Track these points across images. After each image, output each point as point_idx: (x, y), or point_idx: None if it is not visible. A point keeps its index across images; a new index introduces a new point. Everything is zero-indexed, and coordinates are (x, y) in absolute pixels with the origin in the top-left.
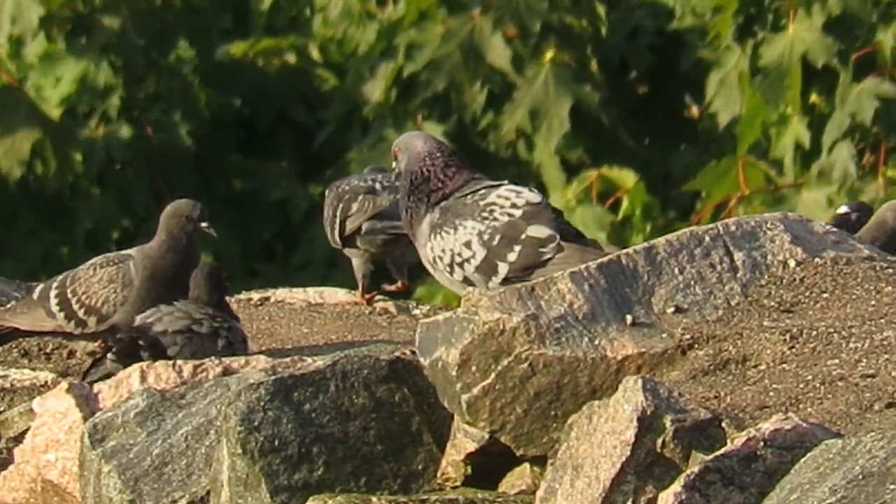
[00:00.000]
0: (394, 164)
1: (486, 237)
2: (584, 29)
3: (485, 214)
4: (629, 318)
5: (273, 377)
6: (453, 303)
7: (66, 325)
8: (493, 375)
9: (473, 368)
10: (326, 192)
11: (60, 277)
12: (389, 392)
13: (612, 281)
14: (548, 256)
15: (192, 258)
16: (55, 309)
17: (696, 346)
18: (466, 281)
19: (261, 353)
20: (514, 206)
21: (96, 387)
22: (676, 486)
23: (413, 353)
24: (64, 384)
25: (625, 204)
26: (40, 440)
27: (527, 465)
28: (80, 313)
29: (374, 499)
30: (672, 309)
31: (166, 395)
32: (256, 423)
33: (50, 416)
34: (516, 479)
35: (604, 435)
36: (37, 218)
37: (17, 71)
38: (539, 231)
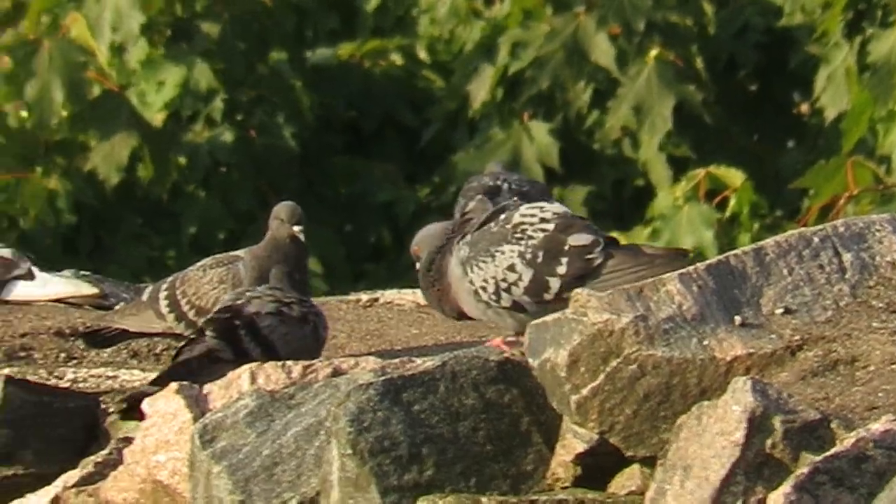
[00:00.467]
0: (417, 265)
1: (528, 256)
2: (688, 27)
3: (518, 235)
4: (738, 319)
5: (382, 378)
6: None
7: (176, 327)
8: (602, 376)
9: (582, 369)
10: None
11: (170, 279)
12: (499, 393)
13: (721, 282)
14: (598, 262)
15: (299, 258)
16: (165, 310)
17: (805, 347)
18: (515, 306)
19: (370, 353)
20: (543, 220)
21: (206, 388)
22: (786, 487)
23: (522, 353)
24: (174, 385)
25: (732, 202)
26: (150, 441)
27: (636, 466)
28: (190, 314)
29: (483, 499)
30: (781, 310)
31: (276, 395)
32: (366, 424)
33: (160, 417)
34: (626, 480)
35: (713, 436)
36: (142, 222)
37: (119, 77)
38: (580, 239)
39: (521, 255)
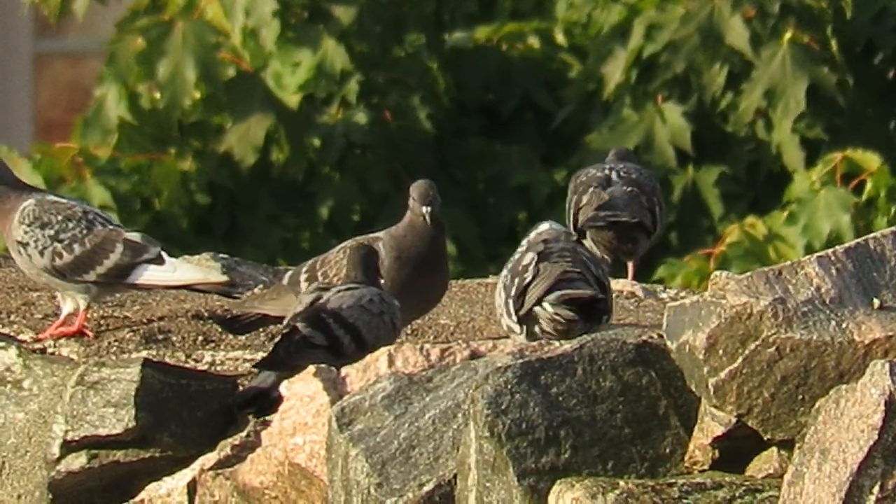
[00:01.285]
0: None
1: (506, 282)
2: (824, 10)
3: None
4: (876, 301)
5: (520, 361)
6: (692, 283)
7: None
8: (740, 359)
9: (720, 352)
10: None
11: (310, 262)
12: (636, 375)
13: (860, 265)
14: (528, 280)
15: (435, 237)
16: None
17: None
18: (509, 329)
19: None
20: (564, 249)
21: (343, 370)
22: None
23: (660, 336)
24: (311, 367)
25: (868, 186)
26: (288, 424)
27: (774, 449)
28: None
29: (621, 482)
30: None
31: (413, 378)
32: (504, 407)
33: (297, 400)
34: (763, 463)
35: (851, 419)
36: (278, 204)
37: (254, 59)
38: (525, 258)
39: (504, 280)
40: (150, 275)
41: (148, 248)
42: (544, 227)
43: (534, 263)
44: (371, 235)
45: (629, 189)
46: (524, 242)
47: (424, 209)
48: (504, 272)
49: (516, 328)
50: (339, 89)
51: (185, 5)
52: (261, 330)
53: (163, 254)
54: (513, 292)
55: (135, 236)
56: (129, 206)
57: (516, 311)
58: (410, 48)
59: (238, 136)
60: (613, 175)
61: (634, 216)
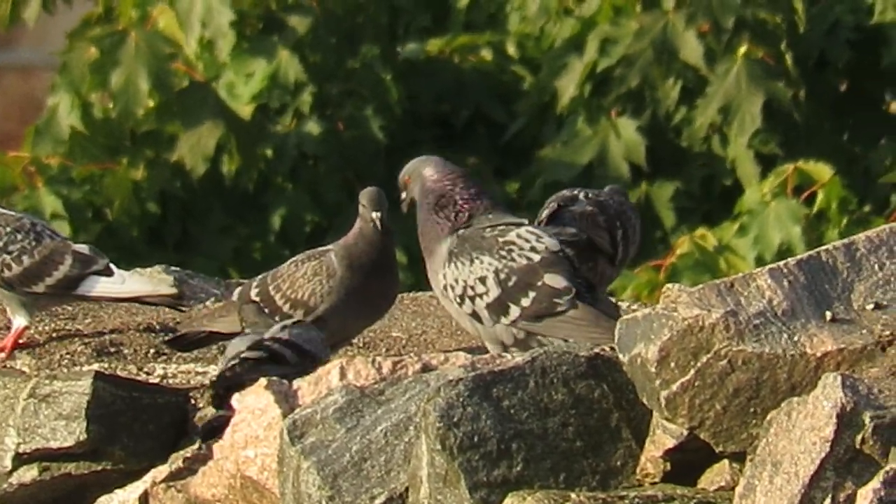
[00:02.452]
0: (402, 195)
1: (502, 276)
2: (778, 24)
3: (503, 253)
4: (828, 314)
5: (472, 373)
6: (642, 294)
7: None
8: (692, 372)
9: (672, 365)
10: None
11: (259, 278)
12: (588, 388)
13: (812, 277)
14: (562, 309)
15: (387, 244)
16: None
17: None
18: (474, 315)
19: (460, 349)
20: (533, 249)
21: (295, 383)
22: (875, 483)
23: (612, 349)
24: (263, 381)
25: (820, 197)
26: (239, 436)
27: (726, 462)
28: (286, 307)
29: (572, 495)
30: (871, 305)
31: (365, 391)
32: (456, 420)
33: (249, 413)
34: (715, 476)
35: (803, 431)
36: (230, 214)
37: (208, 69)
38: (556, 281)
39: (497, 272)
40: (98, 286)
41: (96, 259)
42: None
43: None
44: (321, 249)
45: (588, 209)
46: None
47: (374, 214)
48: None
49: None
50: (292, 100)
51: (138, 16)
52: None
53: (111, 266)
54: None
55: (83, 248)
56: (81, 215)
57: None
58: (364, 60)
59: (189, 146)
60: (581, 195)
61: (581, 234)
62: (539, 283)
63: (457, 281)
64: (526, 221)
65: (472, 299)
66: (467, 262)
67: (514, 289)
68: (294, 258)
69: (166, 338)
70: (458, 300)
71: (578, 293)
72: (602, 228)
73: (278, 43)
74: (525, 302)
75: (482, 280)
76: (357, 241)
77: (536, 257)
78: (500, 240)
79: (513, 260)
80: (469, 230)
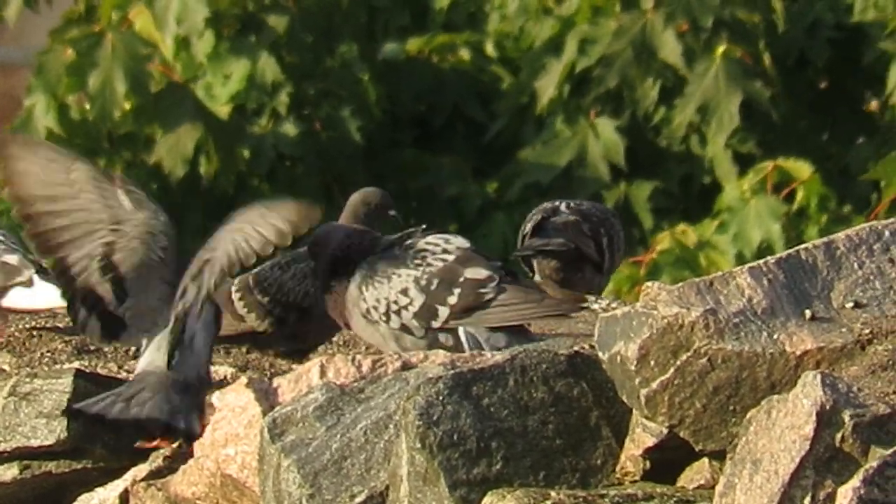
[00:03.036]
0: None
1: (423, 283)
2: (756, 24)
3: (418, 261)
4: (808, 312)
5: (452, 372)
6: (622, 290)
7: (259, 325)
8: (671, 370)
9: (652, 363)
10: None
11: (236, 282)
12: (568, 386)
13: (791, 276)
14: (489, 297)
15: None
16: (243, 311)
17: (876, 340)
18: (404, 328)
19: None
20: (445, 251)
21: (275, 381)
22: (855, 481)
23: (592, 347)
24: (244, 379)
25: (799, 195)
26: (220, 435)
27: (705, 460)
28: (277, 311)
29: (552, 493)
30: (851, 304)
31: (345, 389)
32: (435, 418)
33: (229, 411)
34: (695, 474)
35: (783, 430)
36: (208, 216)
37: (186, 70)
38: (477, 273)
39: (417, 280)
40: (15, 298)
41: (21, 270)
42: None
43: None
44: (301, 251)
45: (572, 218)
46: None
47: (391, 212)
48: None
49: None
50: (269, 100)
51: (118, 17)
52: None
53: (34, 277)
54: None
55: (11, 258)
56: None
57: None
58: (342, 59)
59: (167, 148)
60: (562, 206)
61: (568, 243)
62: (461, 279)
63: (378, 300)
64: (420, 230)
65: (398, 313)
66: (385, 279)
67: (438, 291)
68: (274, 260)
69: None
70: (383, 318)
71: (501, 279)
72: (587, 236)
73: (255, 43)
74: (451, 300)
75: (404, 292)
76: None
77: (451, 257)
78: (411, 251)
79: (429, 265)
80: (374, 257)
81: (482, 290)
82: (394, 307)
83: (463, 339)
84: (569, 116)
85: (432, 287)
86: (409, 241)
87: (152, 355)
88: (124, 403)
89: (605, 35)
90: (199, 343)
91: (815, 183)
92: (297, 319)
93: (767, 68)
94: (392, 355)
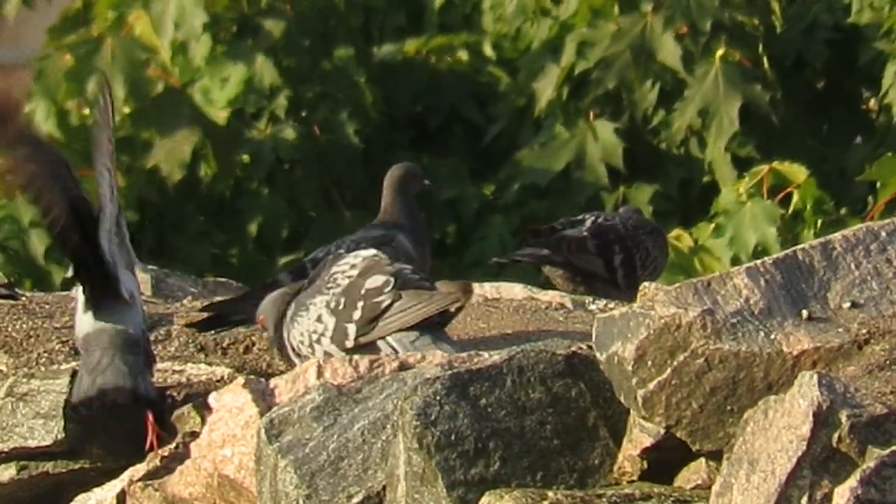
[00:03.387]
0: (265, 334)
1: (332, 305)
2: (755, 26)
3: (330, 285)
4: (805, 313)
5: (449, 372)
6: None
7: None
8: (668, 370)
9: (649, 363)
10: None
11: (320, 259)
12: (566, 387)
13: (788, 276)
14: (386, 304)
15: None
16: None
17: (873, 340)
18: (328, 356)
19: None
20: (352, 266)
21: (272, 382)
22: (852, 481)
23: (589, 347)
24: (240, 379)
25: (795, 198)
26: (217, 435)
27: (702, 460)
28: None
29: (550, 493)
30: (848, 304)
31: (342, 389)
32: (433, 418)
33: (226, 412)
34: (692, 474)
35: (780, 430)
36: (206, 220)
37: (183, 74)
38: (374, 281)
39: (328, 304)
40: None
41: None
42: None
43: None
44: (375, 233)
45: (583, 234)
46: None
47: (426, 182)
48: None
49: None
50: (267, 104)
51: (114, 20)
52: (189, 342)
53: None
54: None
55: None
56: None
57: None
58: (338, 62)
59: (165, 152)
60: (589, 220)
61: (553, 257)
62: (362, 292)
63: (302, 334)
64: (336, 254)
65: (318, 341)
66: (304, 312)
67: (345, 309)
68: (353, 238)
69: (196, 320)
70: (310, 351)
71: (399, 283)
72: (592, 254)
73: (253, 47)
74: (356, 315)
75: (318, 319)
76: (403, 217)
77: (356, 272)
78: (325, 277)
79: (338, 286)
80: (303, 293)
81: (378, 300)
82: (314, 336)
83: (384, 353)
84: (567, 119)
85: (340, 307)
86: (326, 270)
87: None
88: (90, 378)
89: (604, 37)
90: (135, 294)
91: (810, 186)
92: None
93: (766, 71)
94: (389, 355)
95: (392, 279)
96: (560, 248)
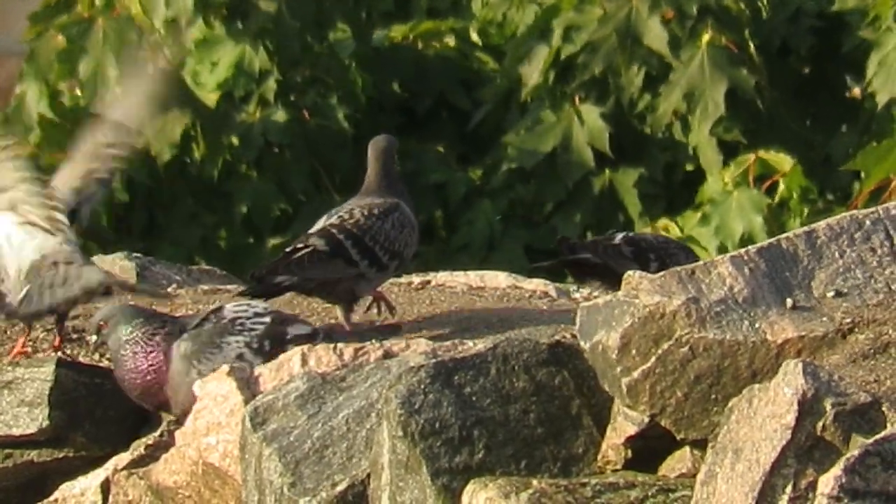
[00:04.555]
0: (94, 338)
1: (255, 346)
2: (741, 11)
3: (239, 327)
4: (789, 301)
5: (434, 360)
6: None
7: (368, 272)
8: (653, 359)
9: (633, 352)
10: None
11: (343, 224)
12: (550, 375)
13: (773, 265)
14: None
15: None
16: (357, 257)
17: (857, 329)
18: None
19: (421, 336)
20: (257, 315)
21: (257, 370)
22: (836, 470)
23: (573, 336)
24: (225, 367)
25: (781, 187)
26: (201, 423)
27: (687, 449)
28: (384, 258)
29: (534, 482)
30: (832, 293)
31: (327, 378)
32: (417, 406)
33: (211, 400)
34: (676, 463)
35: (764, 418)
36: (196, 202)
37: (174, 56)
38: (299, 329)
39: (248, 344)
40: None
41: None
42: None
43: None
44: (375, 201)
45: (616, 242)
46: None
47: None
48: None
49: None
50: (257, 88)
51: (104, 2)
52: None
53: None
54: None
55: None
56: None
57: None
58: (328, 47)
59: (155, 133)
60: (620, 235)
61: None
62: (289, 337)
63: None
64: (220, 304)
65: None
66: (216, 350)
67: (272, 351)
68: (354, 204)
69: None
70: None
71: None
72: (628, 259)
73: (243, 30)
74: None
75: (240, 357)
76: (399, 186)
77: (267, 318)
78: (224, 321)
79: (251, 329)
80: (190, 332)
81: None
82: None
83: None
84: (553, 103)
85: (266, 348)
86: (216, 316)
87: None
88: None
89: (591, 22)
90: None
91: (796, 175)
92: (397, 266)
93: (753, 56)
94: (374, 343)
95: (318, 331)
96: (597, 251)
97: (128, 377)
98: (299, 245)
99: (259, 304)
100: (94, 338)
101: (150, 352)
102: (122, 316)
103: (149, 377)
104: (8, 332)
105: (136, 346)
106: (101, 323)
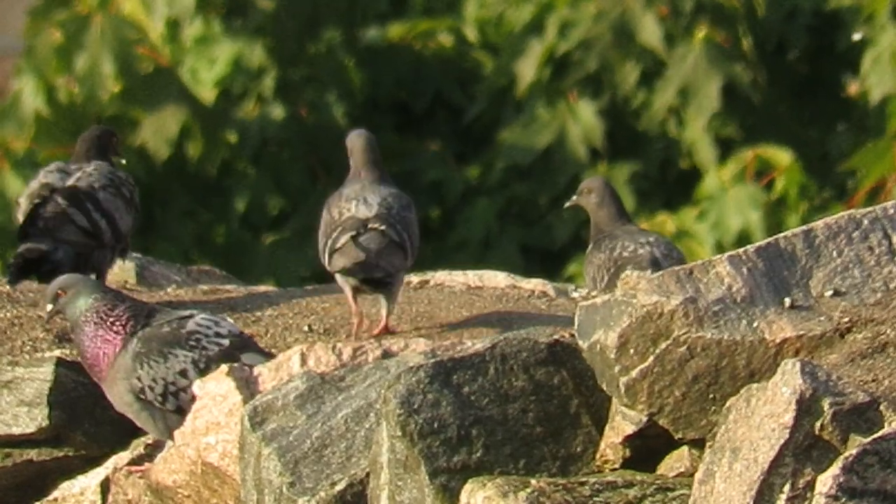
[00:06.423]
0: (49, 307)
1: (202, 366)
2: (736, 8)
3: (192, 343)
4: (787, 301)
5: (432, 360)
6: None
7: None
8: (651, 358)
9: (632, 351)
10: None
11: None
12: (548, 375)
13: (771, 264)
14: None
15: None
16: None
17: (855, 329)
18: (179, 410)
19: (420, 336)
20: (218, 335)
21: (256, 370)
22: (834, 469)
23: (572, 335)
24: (224, 367)
25: (779, 184)
26: (200, 423)
27: (685, 448)
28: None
29: (532, 481)
30: (830, 292)
31: (326, 378)
32: (416, 406)
33: (210, 399)
34: (675, 462)
35: (762, 418)
36: (193, 198)
37: (173, 54)
38: (253, 359)
39: (195, 362)
40: None
41: None
42: None
43: None
44: (391, 190)
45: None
46: None
47: None
48: None
49: None
50: (255, 85)
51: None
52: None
53: None
54: None
55: None
56: None
57: None
58: (326, 45)
59: (152, 130)
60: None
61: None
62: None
63: (155, 381)
64: (196, 312)
65: (176, 395)
66: (161, 359)
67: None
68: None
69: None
70: (159, 399)
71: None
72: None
73: (241, 28)
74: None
75: (182, 373)
76: (389, 178)
77: (226, 341)
78: (184, 332)
79: (204, 348)
80: (147, 330)
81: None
82: (171, 388)
83: None
84: (548, 99)
85: (212, 370)
86: (179, 320)
87: None
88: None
89: (585, 19)
90: None
91: (794, 171)
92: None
93: (747, 53)
94: (372, 342)
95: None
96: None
97: (81, 351)
98: None
99: (226, 325)
100: (50, 306)
101: (105, 337)
102: (84, 287)
103: (94, 364)
104: (8, 332)
105: (91, 325)
106: (59, 291)
